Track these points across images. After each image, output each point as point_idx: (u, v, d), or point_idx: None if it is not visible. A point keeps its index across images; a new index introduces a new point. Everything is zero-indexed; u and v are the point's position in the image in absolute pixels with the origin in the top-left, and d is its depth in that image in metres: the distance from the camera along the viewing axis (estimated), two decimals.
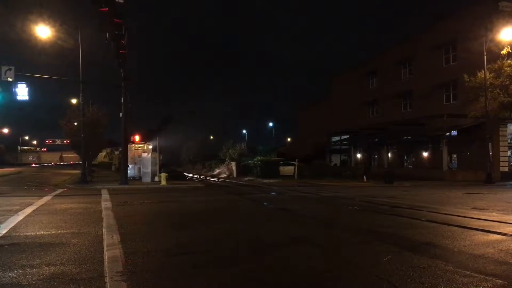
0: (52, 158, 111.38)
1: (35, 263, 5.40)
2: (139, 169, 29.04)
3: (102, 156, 63.96)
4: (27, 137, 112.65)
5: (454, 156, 32.48)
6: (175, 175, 30.03)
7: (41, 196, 15.70)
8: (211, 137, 75.15)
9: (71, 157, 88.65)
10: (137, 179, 28.42)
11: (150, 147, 30.93)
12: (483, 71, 25.44)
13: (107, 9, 17.12)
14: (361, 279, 4.76)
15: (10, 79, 20.09)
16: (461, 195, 16.88)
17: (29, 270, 5.02)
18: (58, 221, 9.24)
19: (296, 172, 32.51)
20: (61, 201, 14.30)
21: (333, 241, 7.25)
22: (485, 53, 25.33)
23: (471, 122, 28.08)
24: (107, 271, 4.95)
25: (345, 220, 10.04)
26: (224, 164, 46.67)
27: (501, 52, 25.07)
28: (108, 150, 68.28)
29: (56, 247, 6.37)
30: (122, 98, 23.43)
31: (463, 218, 9.68)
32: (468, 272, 4.92)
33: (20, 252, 6.05)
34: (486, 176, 25.58)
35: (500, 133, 28.93)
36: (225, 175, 42.84)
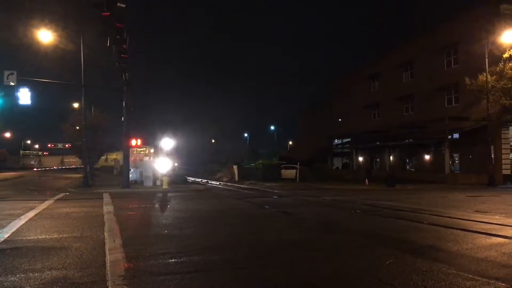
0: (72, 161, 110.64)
1: (37, 267, 5.41)
2: (141, 173, 29.08)
3: (118, 158, 63.00)
4: (29, 141, 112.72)
5: (456, 159, 32.40)
6: (177, 179, 30.04)
7: (43, 200, 15.72)
8: (213, 141, 75.25)
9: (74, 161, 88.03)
10: (139, 182, 28.44)
11: (152, 150, 30.98)
12: (484, 74, 25.45)
13: (108, 13, 17.20)
14: (364, 283, 4.75)
15: (12, 84, 20.13)
16: (464, 198, 16.83)
17: (31, 274, 5.03)
18: (60, 225, 9.25)
19: (297, 176, 32.53)
20: (63, 205, 14.31)
21: (335, 244, 7.24)
22: (486, 56, 25.35)
23: (473, 125, 28.05)
24: (109, 275, 4.96)
25: (347, 223, 10.03)
26: (226, 168, 46.66)
27: (503, 56, 25.09)
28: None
29: (58, 251, 6.38)
30: (124, 102, 23.49)
31: (465, 221, 9.65)
32: (471, 276, 4.91)
33: (22, 256, 6.06)
34: (488, 179, 25.51)
35: (502, 135, 28.84)
36: (226, 179, 42.78)
